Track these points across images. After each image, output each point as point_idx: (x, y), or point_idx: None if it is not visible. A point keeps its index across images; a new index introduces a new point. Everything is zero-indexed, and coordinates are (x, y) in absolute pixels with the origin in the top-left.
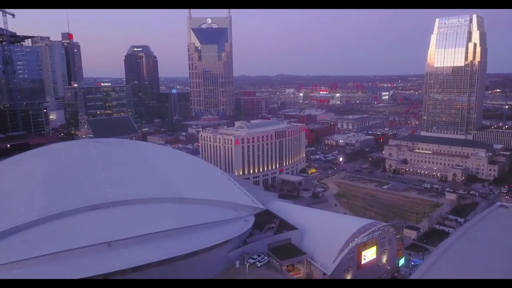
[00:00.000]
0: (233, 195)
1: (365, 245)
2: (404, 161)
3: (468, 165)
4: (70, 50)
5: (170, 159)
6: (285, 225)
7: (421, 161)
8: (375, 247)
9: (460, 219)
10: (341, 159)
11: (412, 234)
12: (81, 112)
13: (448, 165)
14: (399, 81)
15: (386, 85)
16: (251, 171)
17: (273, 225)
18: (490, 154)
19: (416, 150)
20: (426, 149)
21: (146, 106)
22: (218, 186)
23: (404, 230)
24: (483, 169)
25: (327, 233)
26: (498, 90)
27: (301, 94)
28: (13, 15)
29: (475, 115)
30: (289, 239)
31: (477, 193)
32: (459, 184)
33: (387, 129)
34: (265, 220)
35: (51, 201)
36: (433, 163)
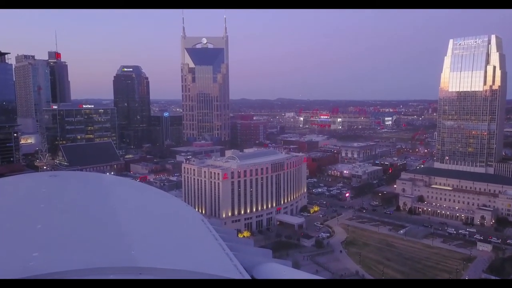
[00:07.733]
0: (210, 260)
1: None
2: (420, 198)
3: (497, 205)
4: (56, 70)
5: (138, 202)
6: None
7: (440, 198)
8: None
9: None
10: (347, 194)
11: None
12: (42, 140)
13: (473, 204)
14: (401, 106)
15: (388, 110)
16: (242, 212)
17: None
18: None
19: (433, 186)
20: (445, 185)
21: (135, 130)
22: (192, 244)
23: None
24: None
25: None
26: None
27: (301, 118)
28: None
29: (495, 145)
30: None
31: None
32: (489, 229)
33: (395, 158)
34: None
35: None
36: (454, 201)
